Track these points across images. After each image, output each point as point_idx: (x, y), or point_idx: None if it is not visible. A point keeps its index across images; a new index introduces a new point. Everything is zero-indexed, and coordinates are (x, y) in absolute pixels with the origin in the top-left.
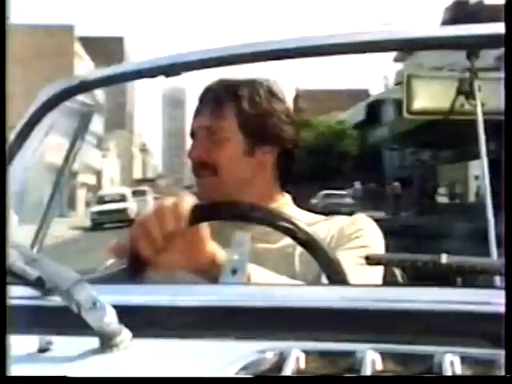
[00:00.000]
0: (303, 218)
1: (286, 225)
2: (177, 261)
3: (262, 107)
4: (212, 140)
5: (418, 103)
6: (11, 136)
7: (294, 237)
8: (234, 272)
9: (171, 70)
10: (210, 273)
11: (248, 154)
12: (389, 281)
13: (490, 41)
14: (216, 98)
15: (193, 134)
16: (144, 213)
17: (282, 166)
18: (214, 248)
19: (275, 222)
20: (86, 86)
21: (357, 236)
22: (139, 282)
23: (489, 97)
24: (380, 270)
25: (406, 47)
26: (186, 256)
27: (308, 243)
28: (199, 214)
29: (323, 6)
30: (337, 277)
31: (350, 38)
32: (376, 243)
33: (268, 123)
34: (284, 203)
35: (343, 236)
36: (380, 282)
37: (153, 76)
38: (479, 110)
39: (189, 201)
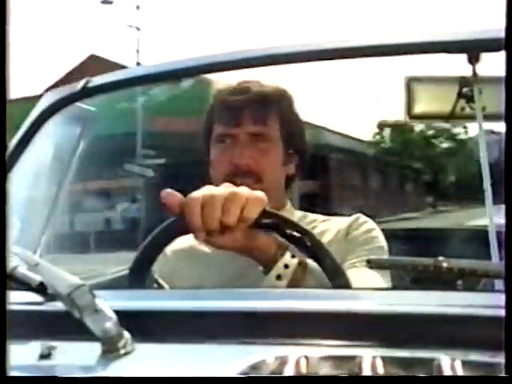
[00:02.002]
0: (305, 219)
1: (294, 233)
2: (236, 242)
3: (297, 117)
4: (258, 147)
5: (419, 107)
6: (13, 142)
7: (300, 244)
8: (279, 277)
9: (173, 75)
10: (262, 262)
11: (283, 164)
12: (390, 284)
13: (490, 44)
14: (256, 104)
15: (221, 140)
16: (211, 191)
17: (296, 176)
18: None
19: (285, 230)
20: (88, 93)
21: (367, 237)
22: (141, 287)
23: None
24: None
25: (406, 51)
26: (245, 239)
27: (313, 249)
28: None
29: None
30: (340, 282)
31: (350, 42)
32: (384, 244)
33: (300, 134)
34: (290, 208)
35: (351, 237)
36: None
37: (155, 82)
38: (479, 113)
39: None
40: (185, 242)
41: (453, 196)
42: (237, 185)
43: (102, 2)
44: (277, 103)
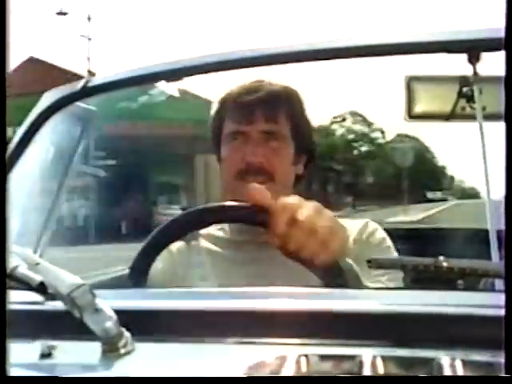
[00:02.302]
0: None
1: None
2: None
3: (306, 117)
4: (270, 146)
5: (419, 107)
6: (13, 141)
7: None
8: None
9: (173, 75)
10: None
11: (293, 164)
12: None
13: (491, 44)
14: (267, 102)
15: (233, 138)
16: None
17: (304, 177)
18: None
19: None
20: (88, 92)
21: (382, 248)
22: (141, 286)
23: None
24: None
25: (406, 51)
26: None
27: None
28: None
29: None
30: (340, 281)
31: (350, 42)
32: (395, 254)
33: (309, 134)
34: None
35: (364, 245)
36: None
37: (154, 81)
38: (480, 113)
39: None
40: (195, 239)
41: (371, 196)
42: (249, 182)
43: (58, 13)
44: (288, 102)
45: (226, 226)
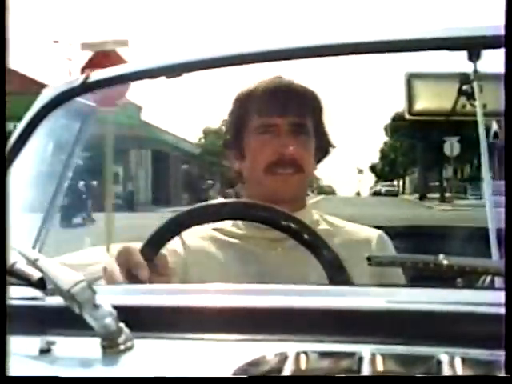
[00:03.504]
0: (322, 222)
1: (292, 225)
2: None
3: (323, 111)
4: (299, 138)
5: (420, 104)
6: (12, 137)
7: (299, 237)
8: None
9: (173, 70)
10: None
11: (314, 157)
12: (389, 282)
13: (491, 41)
14: (296, 96)
15: (263, 131)
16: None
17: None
18: None
19: (281, 222)
20: (87, 88)
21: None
22: (140, 282)
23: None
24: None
25: (406, 48)
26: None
27: (312, 244)
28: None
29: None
30: (339, 278)
31: (350, 38)
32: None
33: (326, 133)
34: (309, 208)
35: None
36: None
37: (154, 77)
38: (480, 110)
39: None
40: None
41: None
42: (279, 174)
43: (54, 42)
44: (312, 99)
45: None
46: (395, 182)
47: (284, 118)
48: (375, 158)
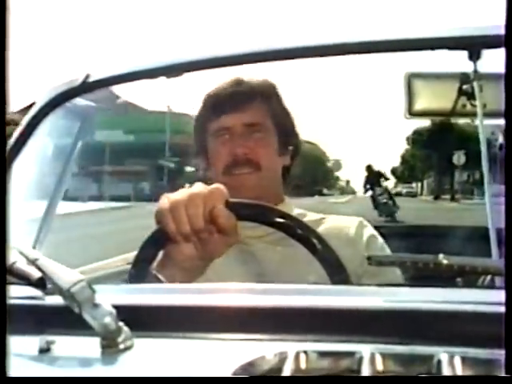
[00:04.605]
0: (304, 217)
1: (292, 225)
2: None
3: (286, 109)
4: (253, 137)
5: (420, 104)
6: (13, 137)
7: (299, 238)
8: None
9: (173, 70)
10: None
11: (279, 154)
12: (389, 281)
13: (491, 41)
14: (247, 96)
15: (219, 134)
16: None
17: (291, 170)
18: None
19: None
20: (87, 87)
21: (377, 247)
22: (141, 281)
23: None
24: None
25: (406, 48)
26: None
27: (312, 244)
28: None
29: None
30: (339, 277)
31: (349, 38)
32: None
33: (292, 126)
34: (289, 204)
35: (361, 244)
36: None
37: (154, 77)
38: (480, 110)
39: (224, 191)
40: None
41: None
42: (238, 174)
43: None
44: (266, 94)
45: None
46: (414, 185)
47: (236, 118)
48: (396, 162)
